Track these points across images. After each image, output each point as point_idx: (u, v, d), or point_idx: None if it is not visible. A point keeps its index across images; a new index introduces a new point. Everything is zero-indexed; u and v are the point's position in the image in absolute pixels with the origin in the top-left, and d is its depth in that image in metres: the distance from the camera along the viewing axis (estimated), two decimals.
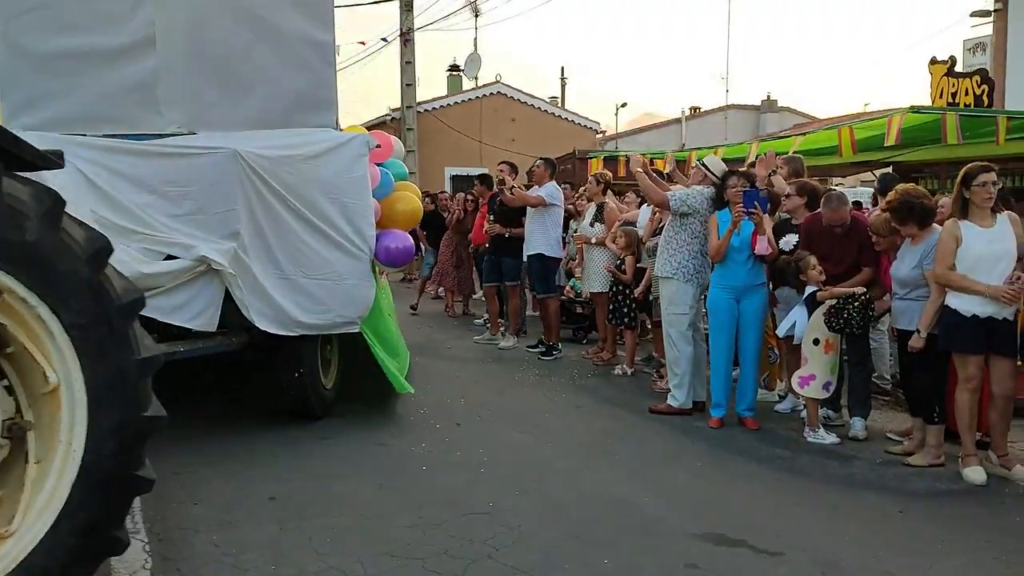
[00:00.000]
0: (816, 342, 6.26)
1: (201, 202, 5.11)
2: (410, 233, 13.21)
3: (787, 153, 8.59)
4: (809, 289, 6.37)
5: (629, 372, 8.72)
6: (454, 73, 29.68)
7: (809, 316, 6.33)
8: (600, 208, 9.58)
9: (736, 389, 6.81)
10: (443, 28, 54.37)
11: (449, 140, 24.98)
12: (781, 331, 6.69)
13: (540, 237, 9.64)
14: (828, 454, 6.00)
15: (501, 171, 10.02)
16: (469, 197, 12.75)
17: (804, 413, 6.49)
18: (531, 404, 7.45)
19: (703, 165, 7.22)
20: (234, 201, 5.12)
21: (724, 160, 8.11)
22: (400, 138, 23.84)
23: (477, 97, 26.65)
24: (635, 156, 7.32)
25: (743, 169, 7.39)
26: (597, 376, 8.73)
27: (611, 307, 8.97)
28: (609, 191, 9.94)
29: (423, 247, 14.15)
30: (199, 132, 5.42)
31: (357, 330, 5.71)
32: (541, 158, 10.20)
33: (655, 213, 8.09)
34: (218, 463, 5.50)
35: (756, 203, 6.37)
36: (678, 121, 31.89)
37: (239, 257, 5.10)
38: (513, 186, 10.03)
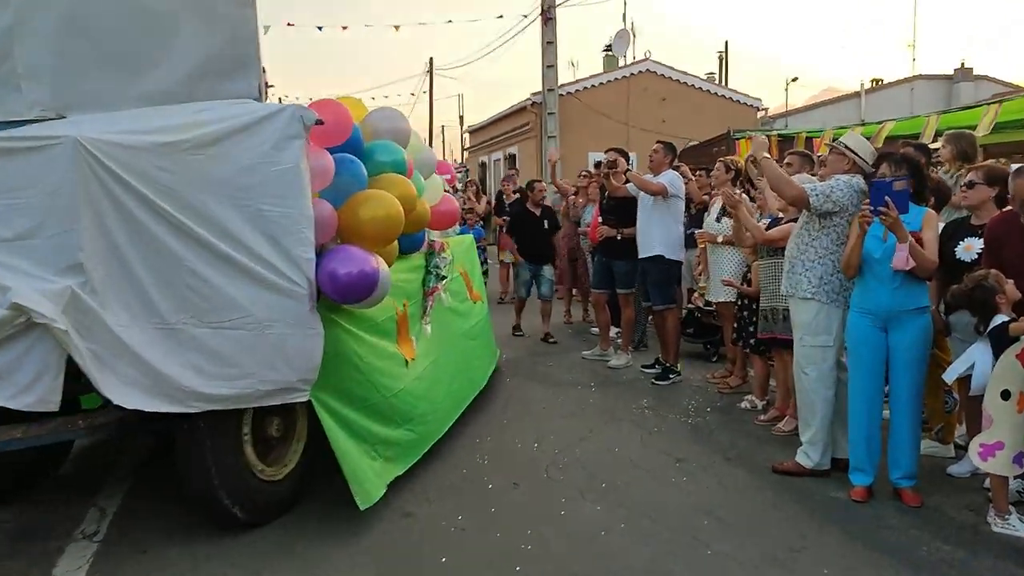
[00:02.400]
0: (1006, 395, 4.39)
1: (33, 220, 3.48)
2: (490, 241, 11.61)
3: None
4: (997, 319, 4.51)
5: (759, 406, 7.02)
6: (610, 53, 28.13)
7: (995, 358, 4.47)
8: None
9: (888, 447, 5.02)
10: (589, 2, 52.24)
11: (593, 124, 23.43)
12: (951, 375, 4.85)
13: (658, 236, 8.03)
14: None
15: (611, 159, 8.47)
16: (583, 173, 11.25)
17: (988, 482, 4.66)
18: (621, 453, 5.93)
19: (845, 147, 5.41)
20: (73, 217, 3.43)
21: (890, 139, 6.23)
22: (541, 123, 22.72)
23: (624, 77, 24.91)
24: (757, 138, 5.60)
25: (906, 150, 5.53)
26: (718, 411, 7.07)
27: (736, 325, 7.28)
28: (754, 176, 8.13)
29: (513, 260, 11.36)
30: (72, 115, 3.82)
31: (304, 399, 3.86)
32: (659, 141, 8.56)
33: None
34: (191, 540, 4.39)
35: (888, 198, 4.57)
36: (856, 95, 28.64)
37: (80, 302, 3.40)
38: (628, 168, 8.47)
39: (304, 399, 3.82)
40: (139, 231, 3.48)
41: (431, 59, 41.66)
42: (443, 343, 5.67)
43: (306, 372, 3.69)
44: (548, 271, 10.30)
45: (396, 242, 4.14)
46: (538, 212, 10.41)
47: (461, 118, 44.91)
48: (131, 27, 3.76)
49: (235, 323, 3.54)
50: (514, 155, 27.75)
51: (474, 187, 13.14)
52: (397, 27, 21.13)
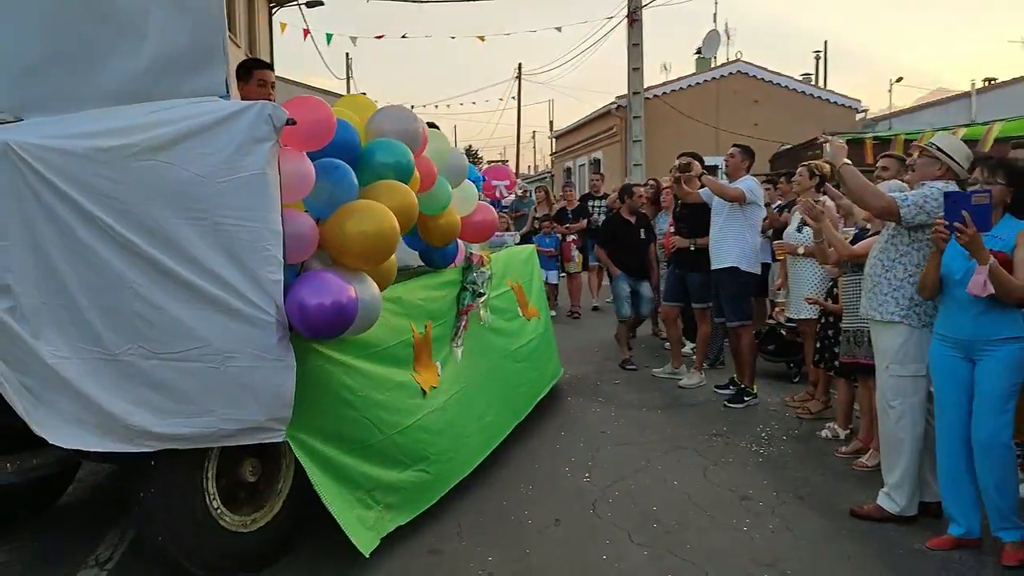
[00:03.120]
0: None
1: None
2: (573, 253, 10.83)
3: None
4: None
5: (841, 435, 6.34)
6: (701, 56, 27.33)
7: None
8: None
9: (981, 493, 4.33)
10: (676, 2, 50.95)
11: (681, 127, 22.66)
12: None
13: (733, 245, 7.40)
14: None
15: (684, 163, 7.88)
16: (651, 182, 10.63)
17: None
18: (680, 488, 5.37)
19: (937, 149, 4.72)
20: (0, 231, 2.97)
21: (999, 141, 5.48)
22: (626, 127, 22.09)
23: (714, 78, 24.03)
24: (834, 141, 4.94)
25: (1014, 154, 4.81)
26: (794, 439, 6.42)
27: (818, 344, 6.62)
28: (829, 186, 7.43)
29: (607, 271, 10.07)
30: (29, 117, 3.32)
31: (279, 439, 3.27)
32: (736, 145, 7.92)
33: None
34: None
35: (966, 213, 3.89)
36: (967, 95, 26.92)
37: (7, 329, 2.97)
38: (703, 172, 7.87)
39: (279, 439, 3.24)
40: (79, 249, 3.00)
41: (519, 65, 41.45)
42: (478, 367, 5.14)
43: (277, 410, 3.13)
44: (647, 288, 9.27)
45: (394, 259, 3.63)
46: (634, 220, 9.33)
47: (551, 123, 44.55)
48: (87, 19, 3.33)
49: (190, 355, 3.04)
50: (599, 160, 27.18)
51: (541, 192, 12.45)
52: (482, 37, 20.88)
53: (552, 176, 31.57)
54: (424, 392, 4.02)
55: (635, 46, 20.61)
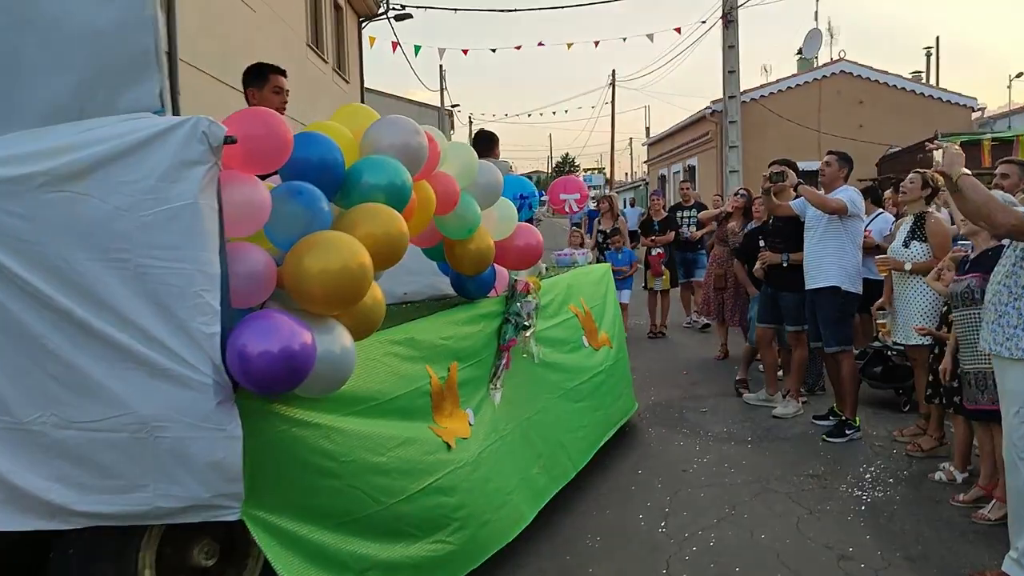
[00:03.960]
0: None
1: None
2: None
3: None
4: None
5: (958, 479, 5.50)
6: (803, 57, 26.11)
7: None
8: (920, 220, 6.36)
9: None
10: (772, 1, 48.78)
11: (780, 131, 21.54)
12: None
13: (833, 262, 6.60)
14: None
15: (776, 171, 7.14)
16: (742, 191, 9.79)
17: None
18: (767, 543, 4.65)
19: None
20: None
21: None
22: (722, 133, 21.13)
23: (815, 79, 22.79)
24: (949, 147, 4.14)
25: None
26: (904, 482, 5.59)
27: (931, 377, 5.80)
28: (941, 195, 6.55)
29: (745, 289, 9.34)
30: None
31: (233, 518, 2.59)
32: (832, 152, 7.11)
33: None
34: None
35: None
36: None
37: None
38: (799, 181, 7.11)
39: (232, 518, 2.60)
40: None
41: (612, 72, 40.62)
42: (525, 411, 4.48)
43: (222, 486, 2.50)
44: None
45: (378, 299, 2.88)
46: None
47: (647, 129, 43.63)
48: (11, 27, 2.78)
49: (112, 423, 2.46)
50: (693, 167, 26.21)
51: (606, 204, 11.44)
52: (569, 45, 20.33)
53: (647, 184, 30.67)
54: (448, 446, 3.43)
55: (730, 48, 19.64)
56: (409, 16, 20.72)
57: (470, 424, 3.66)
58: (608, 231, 11.20)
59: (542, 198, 11.19)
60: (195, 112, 6.91)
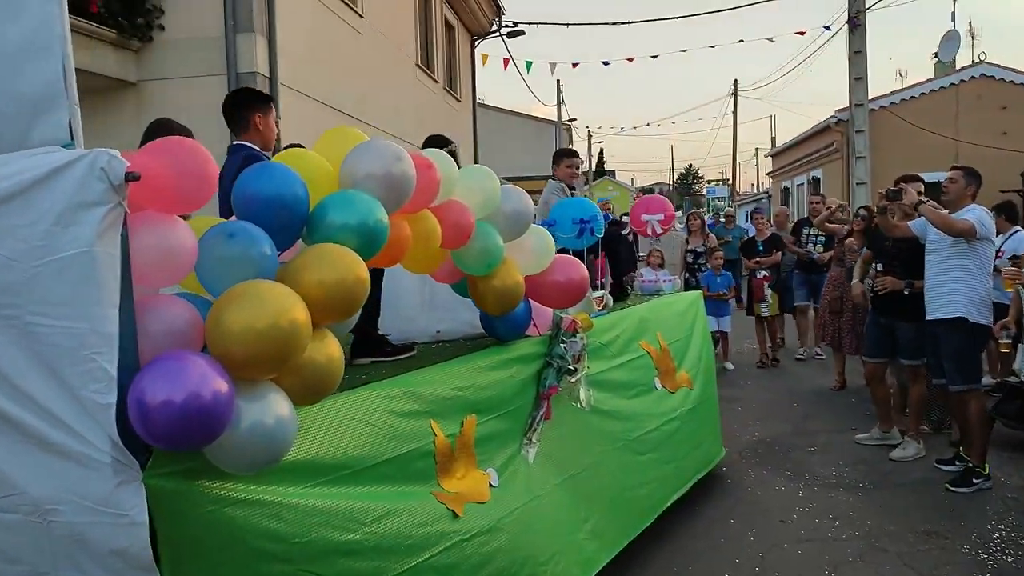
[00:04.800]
0: None
1: None
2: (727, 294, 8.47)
3: None
4: None
5: None
6: (940, 60, 24.24)
7: None
8: None
9: None
10: (901, 3, 45.59)
11: (913, 141, 19.93)
12: None
13: (961, 290, 5.68)
14: None
15: (896, 190, 6.24)
16: (861, 212, 8.78)
17: None
18: None
19: None
20: None
21: None
22: (848, 143, 19.71)
23: (952, 84, 21.01)
24: None
25: None
26: None
27: None
28: None
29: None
30: None
31: None
32: (957, 167, 6.17)
33: None
34: None
35: None
36: None
37: None
38: (921, 200, 6.21)
39: None
40: None
41: (735, 81, 39.08)
42: (568, 467, 3.82)
43: (135, 575, 2.02)
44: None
45: (334, 357, 2.29)
46: None
47: (772, 139, 41.90)
48: None
49: (4, 503, 2.04)
50: (818, 179, 24.71)
51: (696, 221, 10.47)
52: (684, 50, 19.46)
53: (769, 196, 29.23)
54: (454, 514, 2.82)
55: (857, 53, 18.29)
56: (521, 32, 20.42)
57: (491, 486, 3.09)
58: (697, 250, 10.26)
59: (624, 218, 10.22)
60: (300, 138, 6.63)
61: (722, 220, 15.92)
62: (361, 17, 13.14)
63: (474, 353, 3.40)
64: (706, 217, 14.39)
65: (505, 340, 3.56)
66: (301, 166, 2.45)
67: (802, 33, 18.04)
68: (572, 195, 5.63)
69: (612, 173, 68.21)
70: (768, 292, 9.88)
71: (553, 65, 20.18)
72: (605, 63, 19.88)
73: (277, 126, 3.83)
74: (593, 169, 59.23)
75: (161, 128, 4.16)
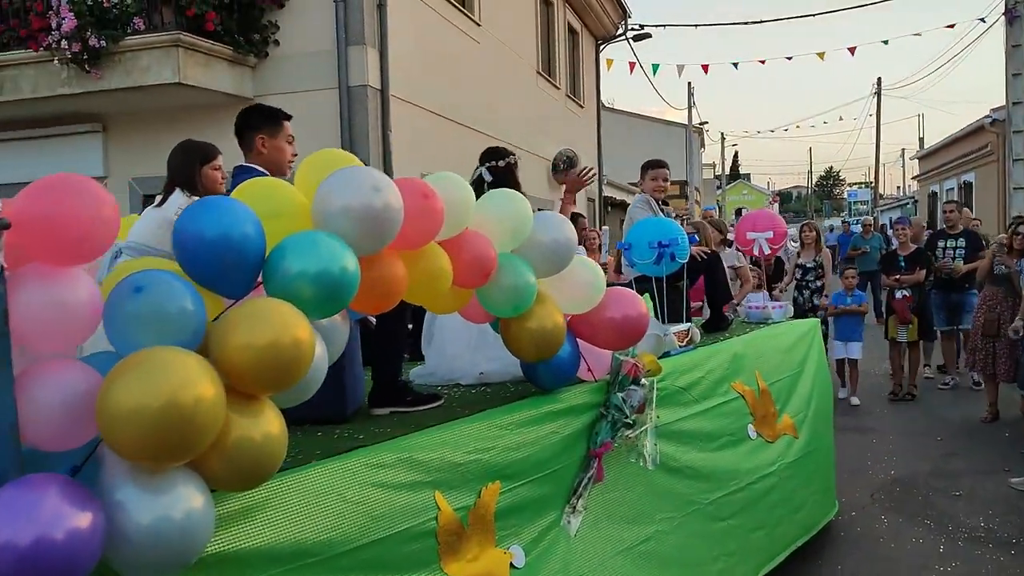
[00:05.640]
0: None
1: None
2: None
3: None
4: None
5: None
6: None
7: None
8: None
9: None
10: None
11: None
12: None
13: None
14: None
15: None
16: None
17: None
18: None
19: None
20: None
21: None
22: (1004, 144, 17.82)
23: None
24: None
25: None
26: None
27: None
28: None
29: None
30: None
31: None
32: None
33: None
34: None
35: None
36: None
37: None
38: None
39: None
40: None
41: (878, 80, 36.45)
42: (624, 539, 3.14)
43: None
44: None
45: (272, 434, 1.81)
46: None
47: (920, 140, 38.99)
48: None
49: None
50: (970, 183, 22.53)
51: (811, 233, 9.07)
52: (821, 54, 18.12)
53: (915, 202, 26.98)
54: None
55: (1015, 47, 16.61)
56: (648, 35, 19.66)
57: (513, 567, 2.52)
58: (807, 265, 8.93)
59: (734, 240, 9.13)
60: (413, 151, 6.30)
61: (856, 229, 14.52)
62: (478, 25, 12.86)
63: (507, 406, 2.85)
64: (847, 223, 13.14)
65: (549, 389, 2.99)
66: (268, 199, 2.02)
67: (951, 26, 16.39)
68: (663, 211, 4.98)
69: (747, 176, 65.72)
70: (910, 314, 8.64)
71: (681, 68, 19.31)
72: (735, 65, 18.81)
73: (292, 143, 3.40)
74: (727, 173, 57.06)
75: (184, 151, 3.89)
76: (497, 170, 3.85)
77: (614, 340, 2.99)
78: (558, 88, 17.00)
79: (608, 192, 21.80)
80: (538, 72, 15.74)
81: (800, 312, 6.99)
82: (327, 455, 2.26)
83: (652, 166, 5.13)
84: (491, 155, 3.89)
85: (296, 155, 3.32)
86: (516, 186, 3.86)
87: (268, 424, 1.78)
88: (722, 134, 50.12)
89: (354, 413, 2.84)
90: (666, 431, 3.41)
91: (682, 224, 4.83)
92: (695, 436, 3.64)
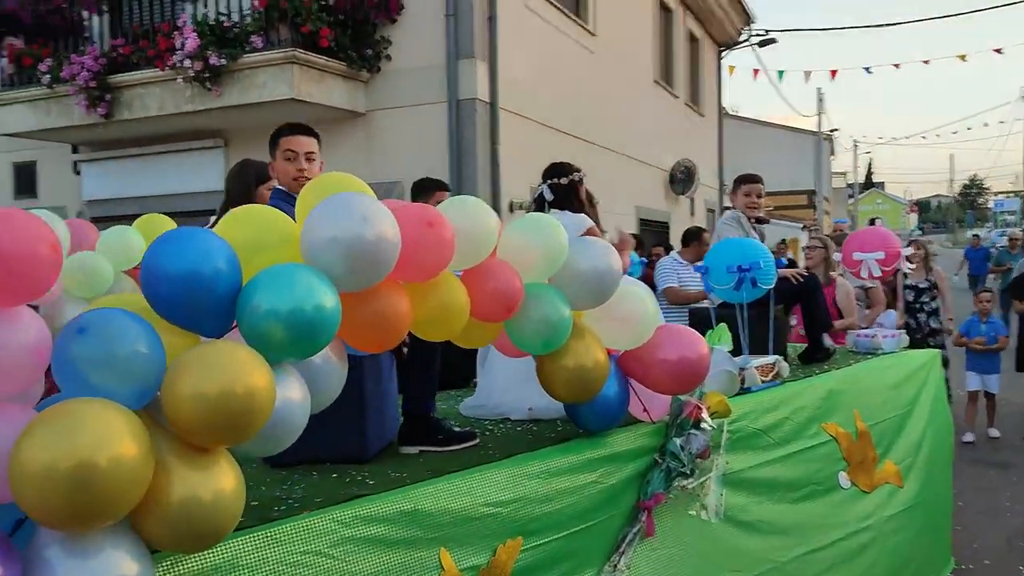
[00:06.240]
0: None
1: None
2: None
3: None
4: None
5: None
6: None
7: None
8: None
9: None
10: None
11: None
12: None
13: None
14: None
15: None
16: None
17: None
18: None
19: None
20: None
21: None
22: None
23: None
24: None
25: None
26: None
27: None
28: None
29: None
30: None
31: None
32: None
33: None
34: None
35: None
36: None
37: None
38: None
39: None
40: None
41: None
42: None
43: None
44: None
45: (226, 490, 1.59)
46: None
47: None
48: None
49: None
50: None
51: (921, 251, 7.88)
52: (963, 56, 16.70)
53: None
54: None
55: None
56: (773, 41, 18.77)
57: None
58: (919, 286, 7.70)
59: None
60: (523, 164, 6.11)
61: (1001, 242, 13.23)
62: (593, 35, 12.57)
63: (543, 450, 2.54)
64: (991, 234, 11.99)
65: (593, 431, 2.67)
66: (254, 229, 1.83)
67: None
68: (756, 230, 4.52)
69: (881, 185, 62.08)
70: None
71: (808, 74, 18.31)
72: (867, 69, 17.65)
73: (294, 159, 3.15)
74: (860, 182, 54.00)
75: (242, 170, 3.80)
76: (559, 188, 3.57)
77: (667, 383, 2.63)
78: (676, 97, 16.45)
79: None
80: (655, 81, 15.26)
81: (916, 340, 6.24)
82: (327, 503, 2.05)
83: (745, 180, 4.68)
84: (553, 172, 3.61)
85: (302, 169, 3.07)
86: (580, 205, 3.57)
87: (220, 480, 1.58)
88: (855, 141, 47.40)
89: (380, 452, 2.63)
90: (736, 479, 3.01)
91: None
92: (773, 485, 3.21)
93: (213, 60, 8.91)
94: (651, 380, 2.64)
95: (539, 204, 3.62)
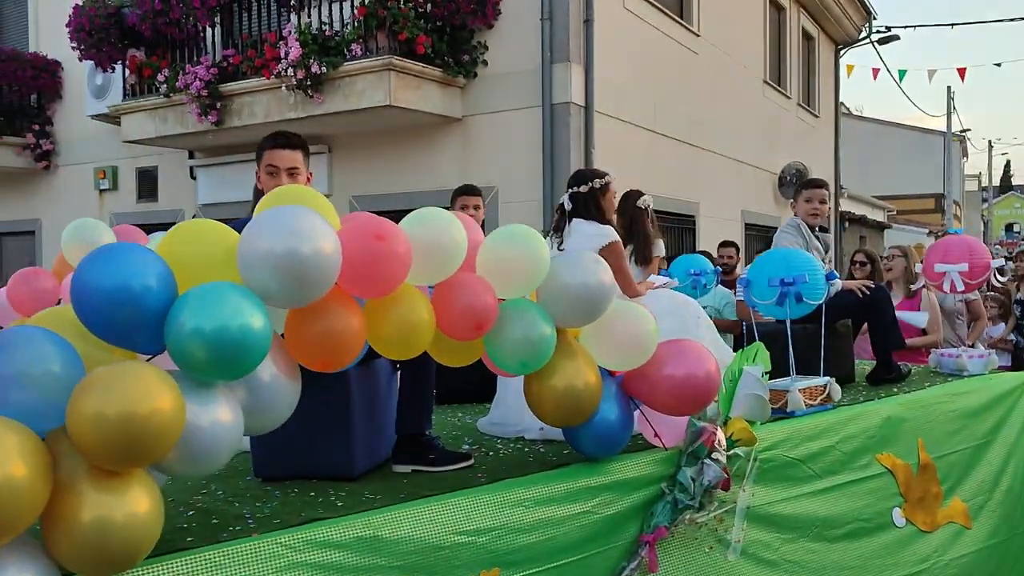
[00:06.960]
0: None
1: None
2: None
3: None
4: None
5: None
6: None
7: None
8: None
9: None
10: None
11: None
12: None
13: None
14: None
15: None
16: None
17: None
18: None
19: None
20: None
21: None
22: None
23: None
24: None
25: None
26: None
27: None
28: None
29: None
30: None
31: None
32: None
33: None
34: None
35: None
36: None
37: None
38: None
39: None
40: None
41: None
42: None
43: None
44: None
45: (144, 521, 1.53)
46: None
47: None
48: None
49: None
50: None
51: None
52: None
53: None
54: None
55: None
56: (896, 38, 17.59)
57: None
58: None
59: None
60: (620, 170, 5.95)
61: None
62: (697, 36, 12.16)
63: (532, 476, 2.37)
64: None
65: (592, 457, 2.48)
66: (197, 244, 1.78)
67: None
68: (818, 239, 4.15)
69: (1020, 188, 57.30)
70: None
71: (932, 72, 17.06)
72: (997, 64, 16.28)
73: (275, 175, 2.98)
74: (996, 184, 50.00)
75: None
76: (579, 196, 3.37)
77: (674, 403, 2.41)
78: (788, 97, 15.70)
79: (847, 207, 19.81)
80: (765, 81, 14.62)
81: (1022, 360, 5.62)
82: (282, 526, 1.97)
83: (808, 186, 4.29)
84: (575, 179, 3.42)
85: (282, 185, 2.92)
86: (601, 214, 3.37)
87: (133, 503, 1.53)
88: (989, 141, 43.85)
89: (374, 469, 2.53)
90: (762, 513, 2.75)
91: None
92: (808, 521, 2.90)
93: (315, 68, 9.13)
94: (657, 400, 2.43)
95: (561, 214, 3.45)
